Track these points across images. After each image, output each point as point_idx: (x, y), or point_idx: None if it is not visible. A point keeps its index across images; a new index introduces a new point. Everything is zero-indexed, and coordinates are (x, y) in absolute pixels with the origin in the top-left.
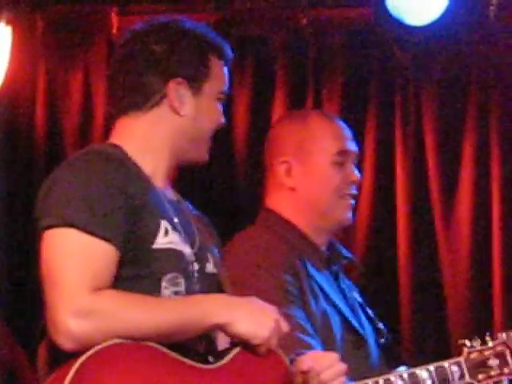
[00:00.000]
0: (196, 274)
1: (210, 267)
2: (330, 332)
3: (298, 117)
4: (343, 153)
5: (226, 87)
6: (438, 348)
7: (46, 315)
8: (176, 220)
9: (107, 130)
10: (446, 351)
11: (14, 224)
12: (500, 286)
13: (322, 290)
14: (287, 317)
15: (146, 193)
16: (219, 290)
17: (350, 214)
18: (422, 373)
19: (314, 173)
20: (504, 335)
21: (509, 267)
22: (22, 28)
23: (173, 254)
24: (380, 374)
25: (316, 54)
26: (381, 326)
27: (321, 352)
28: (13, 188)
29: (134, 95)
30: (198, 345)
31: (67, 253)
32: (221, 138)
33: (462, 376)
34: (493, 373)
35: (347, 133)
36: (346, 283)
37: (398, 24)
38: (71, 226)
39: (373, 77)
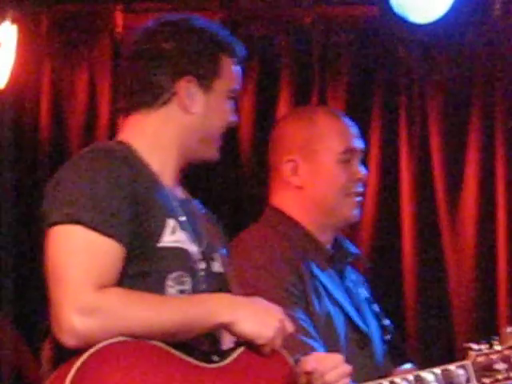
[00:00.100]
0: (202, 273)
1: (216, 266)
2: (334, 332)
3: (304, 114)
4: (349, 151)
5: (237, 85)
6: (443, 346)
7: (50, 312)
8: (183, 219)
9: (112, 129)
10: (451, 349)
11: (19, 222)
12: (505, 285)
13: (326, 289)
14: (290, 319)
15: (153, 191)
16: (225, 289)
17: (356, 212)
18: (427, 375)
19: (321, 171)
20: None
21: None
22: (27, 27)
23: (179, 253)
24: (384, 373)
25: (321, 53)
26: (386, 322)
27: (325, 353)
28: (18, 186)
29: (144, 93)
30: (202, 344)
31: (72, 250)
32: (226, 136)
33: (468, 379)
34: (499, 377)
35: (353, 130)
36: (351, 279)
37: (403, 22)
38: (77, 223)
39: (378, 75)
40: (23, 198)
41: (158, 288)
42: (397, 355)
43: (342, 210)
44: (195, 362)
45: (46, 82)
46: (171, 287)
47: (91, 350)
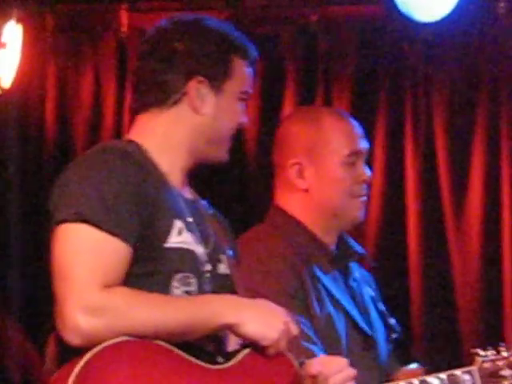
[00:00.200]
0: (208, 275)
1: (222, 268)
2: (334, 335)
3: (309, 115)
4: (355, 153)
5: (248, 87)
6: (449, 345)
7: (56, 310)
8: (190, 220)
9: (117, 128)
10: (457, 348)
11: (25, 221)
12: (510, 284)
13: (328, 292)
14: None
15: (161, 191)
16: (231, 291)
17: (362, 213)
18: (433, 380)
19: (326, 174)
20: None
21: None
22: (32, 26)
23: (185, 254)
24: (388, 374)
25: (326, 51)
26: (392, 321)
27: (330, 356)
28: (23, 185)
29: (155, 92)
30: (207, 345)
31: (79, 248)
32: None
33: None
34: (506, 383)
35: (358, 131)
36: (356, 279)
37: (408, 21)
38: (84, 221)
39: (383, 74)
40: (29, 197)
41: (164, 288)
42: (402, 354)
43: (347, 212)
44: (200, 363)
45: (51, 81)
46: (177, 288)
47: (95, 350)
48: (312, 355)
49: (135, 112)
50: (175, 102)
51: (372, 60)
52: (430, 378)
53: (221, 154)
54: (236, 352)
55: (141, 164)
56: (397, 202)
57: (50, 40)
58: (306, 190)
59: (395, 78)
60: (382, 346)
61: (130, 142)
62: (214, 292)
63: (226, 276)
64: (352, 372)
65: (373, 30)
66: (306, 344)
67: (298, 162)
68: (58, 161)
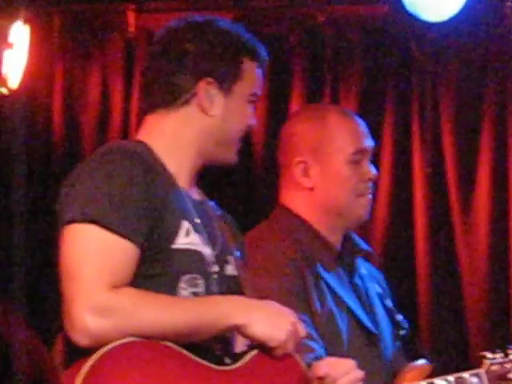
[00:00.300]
0: (215, 276)
1: (230, 269)
2: (335, 331)
3: (314, 114)
4: (360, 152)
5: (258, 89)
6: (456, 343)
7: (63, 311)
8: (198, 221)
9: (125, 128)
10: (464, 346)
11: (32, 222)
12: None
13: (331, 290)
14: None
15: (169, 192)
16: (238, 292)
17: (367, 211)
18: (441, 383)
19: (332, 173)
20: None
21: None
22: (40, 27)
23: (192, 255)
24: (394, 371)
25: (333, 52)
26: (399, 317)
27: (337, 358)
28: (31, 186)
29: (164, 93)
30: (214, 346)
31: (87, 249)
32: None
33: None
34: None
35: (363, 129)
36: (361, 276)
37: (415, 21)
38: (92, 222)
39: (390, 74)
40: (37, 198)
41: (171, 290)
42: (410, 351)
43: (353, 211)
44: (207, 364)
45: (58, 81)
46: (184, 289)
47: (102, 350)
48: (311, 351)
49: (144, 112)
50: (184, 103)
51: (379, 60)
52: (437, 381)
53: (229, 155)
54: (243, 353)
55: (149, 164)
56: (404, 200)
57: (57, 40)
58: (311, 189)
59: (402, 78)
60: (388, 343)
61: (139, 142)
62: (221, 293)
63: (233, 277)
64: (359, 374)
65: (380, 30)
66: (305, 341)
67: (303, 160)
68: (65, 161)
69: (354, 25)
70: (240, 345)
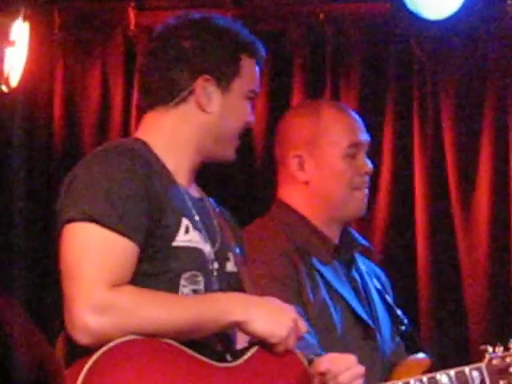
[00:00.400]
0: (215, 273)
1: (230, 266)
2: (329, 322)
3: (309, 108)
4: (355, 145)
5: (256, 86)
6: (457, 338)
7: (64, 309)
8: (197, 218)
9: (125, 126)
10: (465, 342)
11: (32, 221)
12: None
13: (326, 282)
14: None
15: (168, 190)
16: (239, 289)
17: (364, 205)
18: (441, 377)
19: (327, 166)
20: None
21: None
22: (40, 24)
23: (192, 252)
24: (391, 364)
25: (333, 49)
26: (399, 313)
27: (339, 354)
28: (31, 184)
29: (162, 90)
30: (215, 343)
31: (87, 247)
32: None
33: (482, 382)
34: None
35: (359, 123)
36: (360, 271)
37: (416, 18)
38: (91, 220)
39: (390, 71)
40: (37, 196)
41: (172, 287)
42: (410, 347)
43: (349, 205)
44: (208, 361)
45: (58, 79)
46: (184, 287)
47: (104, 349)
48: (302, 339)
49: (142, 110)
50: (182, 100)
51: (380, 57)
52: (438, 375)
53: (228, 152)
54: (244, 350)
55: (148, 162)
56: (405, 198)
57: (57, 38)
58: (307, 183)
59: (403, 75)
60: (386, 338)
61: (137, 140)
62: (221, 290)
63: (233, 274)
64: (361, 369)
65: (381, 28)
66: None
67: (298, 154)
68: (65, 159)
69: (354, 22)
70: (241, 341)
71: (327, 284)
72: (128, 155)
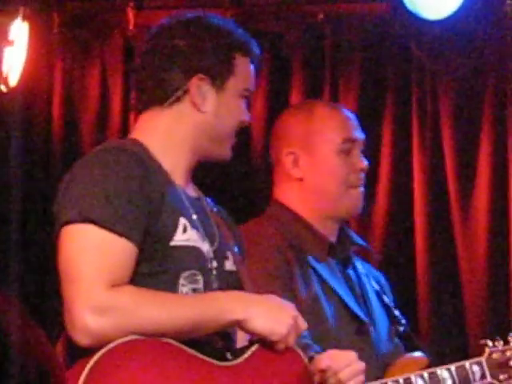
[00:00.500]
0: (214, 272)
1: (229, 265)
2: (321, 316)
3: (303, 108)
4: (349, 141)
5: (251, 85)
6: (456, 339)
7: (63, 311)
8: (195, 217)
9: (124, 126)
10: (463, 340)
11: (31, 220)
12: None
13: (319, 277)
14: None
15: (165, 189)
16: (238, 287)
17: (360, 203)
18: (442, 372)
19: (321, 162)
20: None
21: None
22: (39, 24)
23: (191, 252)
24: (387, 362)
25: (332, 49)
26: (397, 313)
27: (339, 351)
28: (30, 184)
29: (157, 90)
30: (215, 342)
31: (85, 248)
32: (238, 135)
33: (483, 376)
34: None
35: (353, 121)
36: (357, 270)
37: (415, 18)
38: (90, 221)
39: (390, 72)
40: (35, 196)
41: (171, 287)
42: (409, 347)
43: (344, 202)
44: (209, 360)
45: (57, 79)
46: (184, 286)
47: (104, 349)
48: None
49: (138, 110)
50: (177, 100)
51: (379, 57)
52: (439, 370)
53: (224, 151)
54: (245, 348)
55: (144, 163)
56: (404, 197)
57: (56, 38)
58: (301, 179)
59: (402, 76)
60: (383, 337)
61: (133, 140)
62: (220, 289)
63: (232, 272)
64: (361, 365)
65: (379, 28)
66: None
67: (292, 151)
68: (64, 159)
69: (353, 22)
70: (241, 340)
71: (321, 280)
72: (125, 156)
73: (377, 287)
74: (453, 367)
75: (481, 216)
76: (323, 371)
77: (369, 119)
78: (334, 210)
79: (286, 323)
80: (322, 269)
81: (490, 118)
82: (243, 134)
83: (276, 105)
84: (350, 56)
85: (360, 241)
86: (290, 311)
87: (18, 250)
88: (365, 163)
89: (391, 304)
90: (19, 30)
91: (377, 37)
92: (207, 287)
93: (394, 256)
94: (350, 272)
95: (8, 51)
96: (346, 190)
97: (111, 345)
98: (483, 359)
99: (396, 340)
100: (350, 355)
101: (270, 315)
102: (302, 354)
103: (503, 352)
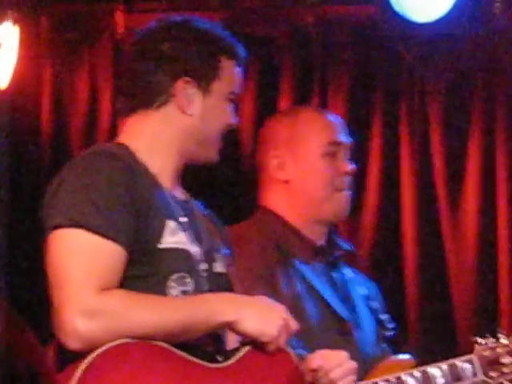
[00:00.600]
0: (204, 274)
1: (218, 267)
2: (303, 314)
3: (289, 113)
4: (334, 144)
5: (236, 87)
6: (445, 337)
7: (53, 315)
8: (183, 220)
9: (113, 129)
10: (452, 342)
11: (18, 225)
12: (506, 276)
13: (302, 277)
14: None
15: (153, 193)
16: (228, 289)
17: (346, 207)
18: (433, 371)
19: (306, 165)
20: None
21: None
22: (28, 27)
23: (180, 254)
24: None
25: (321, 52)
26: (384, 318)
27: (330, 351)
28: (19, 188)
29: (143, 94)
30: (206, 344)
31: (74, 253)
32: (226, 138)
33: (474, 373)
34: (506, 370)
35: (338, 125)
36: (343, 274)
37: (404, 21)
38: (78, 226)
39: (379, 75)
40: (23, 200)
41: (161, 289)
42: (397, 351)
43: (330, 205)
44: (200, 362)
45: (46, 82)
46: (173, 288)
47: (95, 353)
48: None
49: (124, 114)
50: (163, 103)
51: (367, 60)
52: (430, 368)
53: (211, 154)
54: (236, 350)
55: (131, 167)
56: (393, 200)
57: (45, 41)
58: (287, 182)
59: (391, 78)
60: (369, 340)
61: (120, 145)
62: (210, 291)
63: (222, 274)
64: (352, 365)
65: (368, 31)
66: None
67: (277, 154)
68: (53, 161)
69: (342, 25)
70: (231, 341)
71: (304, 280)
72: (112, 160)
73: (365, 293)
74: (444, 365)
75: (469, 219)
76: (314, 371)
77: (358, 122)
78: (320, 212)
79: (277, 324)
80: (306, 270)
81: (478, 121)
82: (232, 136)
83: (265, 108)
84: (338, 59)
85: (347, 246)
86: (281, 312)
87: (7, 254)
88: (350, 166)
89: (379, 310)
90: (8, 32)
91: (366, 40)
92: (197, 289)
93: (383, 259)
94: (336, 276)
95: None
96: (332, 192)
97: (102, 348)
98: (474, 356)
99: (384, 345)
100: (342, 355)
101: (261, 316)
102: (292, 354)
103: (493, 349)
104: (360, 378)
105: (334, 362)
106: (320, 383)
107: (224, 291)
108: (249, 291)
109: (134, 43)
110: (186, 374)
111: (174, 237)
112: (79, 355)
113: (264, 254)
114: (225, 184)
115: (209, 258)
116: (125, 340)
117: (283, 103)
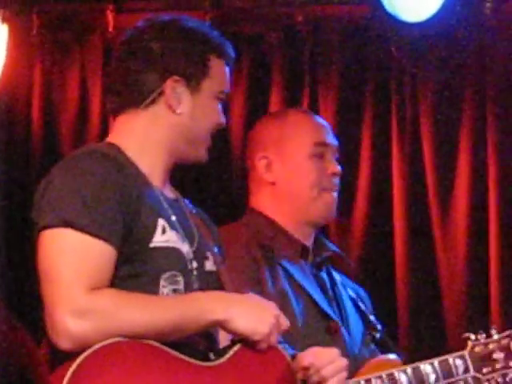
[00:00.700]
0: (195, 272)
1: (209, 265)
2: (289, 312)
3: (277, 115)
4: (321, 145)
5: (226, 86)
6: (435, 343)
7: (44, 315)
8: (174, 218)
9: (103, 129)
10: (443, 347)
11: (9, 223)
12: (497, 282)
13: (288, 275)
14: None
15: (143, 191)
16: (219, 287)
17: (333, 208)
18: (425, 367)
19: (293, 166)
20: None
21: (505, 263)
22: (18, 26)
23: (171, 253)
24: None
25: (312, 52)
26: (372, 319)
27: (322, 348)
28: (9, 188)
29: (132, 93)
30: (198, 342)
31: (64, 253)
32: (217, 137)
33: (466, 369)
34: (498, 366)
35: (326, 127)
36: (331, 275)
37: (394, 21)
38: (68, 226)
39: (369, 73)
40: (14, 199)
41: (152, 288)
42: (385, 353)
43: (317, 206)
44: (192, 361)
45: (37, 81)
46: (164, 287)
47: (87, 352)
48: None
49: (114, 113)
50: (152, 102)
51: (358, 60)
52: (422, 365)
53: (200, 153)
54: (227, 348)
55: (121, 166)
56: (383, 201)
57: (36, 40)
58: (274, 183)
59: (381, 78)
60: (356, 340)
61: (110, 144)
62: (201, 289)
63: (212, 273)
64: (344, 362)
65: (359, 30)
66: None
67: (265, 155)
68: (44, 160)
69: (332, 25)
70: (223, 340)
71: (290, 278)
72: (102, 160)
73: (353, 295)
74: (436, 361)
75: (460, 220)
76: (306, 368)
77: (348, 121)
78: (307, 213)
79: (268, 322)
80: (294, 269)
81: (469, 120)
82: (222, 136)
83: (255, 107)
84: (329, 58)
85: (333, 247)
86: (272, 310)
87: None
88: (337, 168)
89: (367, 311)
90: None
91: (356, 39)
92: (188, 288)
93: (373, 260)
94: (324, 276)
95: None
96: (319, 193)
97: (94, 347)
98: (466, 353)
99: (372, 346)
100: (333, 352)
101: (252, 315)
102: (284, 352)
103: (486, 345)
104: (348, 377)
105: (326, 359)
106: (311, 381)
107: (215, 290)
108: (237, 290)
109: (123, 42)
110: (177, 372)
111: (164, 235)
112: (71, 354)
113: (248, 252)
114: (214, 182)
115: (199, 256)
116: (116, 339)
117: (273, 102)
